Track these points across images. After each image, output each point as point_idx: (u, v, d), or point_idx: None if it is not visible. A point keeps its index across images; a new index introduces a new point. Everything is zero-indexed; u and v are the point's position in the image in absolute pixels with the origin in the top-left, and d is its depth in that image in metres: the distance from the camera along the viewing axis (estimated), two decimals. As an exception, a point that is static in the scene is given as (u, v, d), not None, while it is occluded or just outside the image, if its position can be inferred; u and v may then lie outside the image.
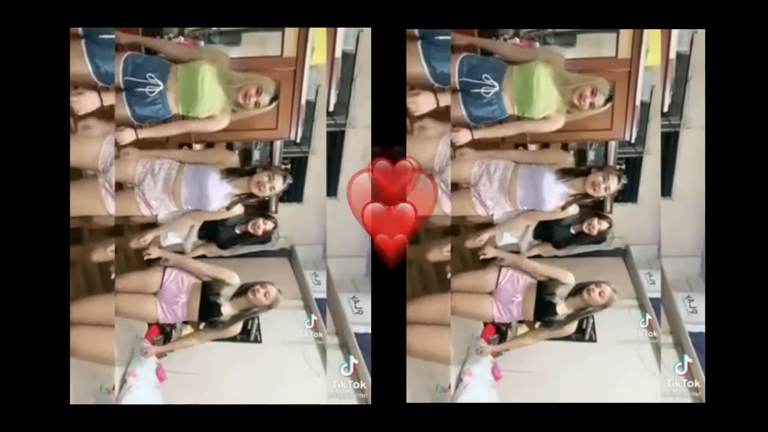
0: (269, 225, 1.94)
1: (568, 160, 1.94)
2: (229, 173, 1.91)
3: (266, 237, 1.94)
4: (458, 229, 1.93)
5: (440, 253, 1.89)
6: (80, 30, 1.87)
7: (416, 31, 1.89)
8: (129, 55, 1.89)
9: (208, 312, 1.90)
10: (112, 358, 1.86)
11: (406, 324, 1.85)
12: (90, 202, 1.88)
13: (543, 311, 1.91)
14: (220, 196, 1.91)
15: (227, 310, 1.90)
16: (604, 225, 1.95)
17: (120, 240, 1.91)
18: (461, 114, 1.91)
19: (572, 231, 1.95)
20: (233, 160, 1.92)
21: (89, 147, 1.89)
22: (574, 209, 1.93)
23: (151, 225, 1.94)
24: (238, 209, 1.92)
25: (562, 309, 1.91)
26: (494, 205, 1.94)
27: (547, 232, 1.95)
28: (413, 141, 1.88)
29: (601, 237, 1.96)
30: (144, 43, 1.90)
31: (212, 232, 1.94)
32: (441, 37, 1.89)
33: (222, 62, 1.88)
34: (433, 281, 1.89)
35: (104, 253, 1.88)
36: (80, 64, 1.87)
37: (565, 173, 1.92)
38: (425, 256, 1.89)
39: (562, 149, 1.96)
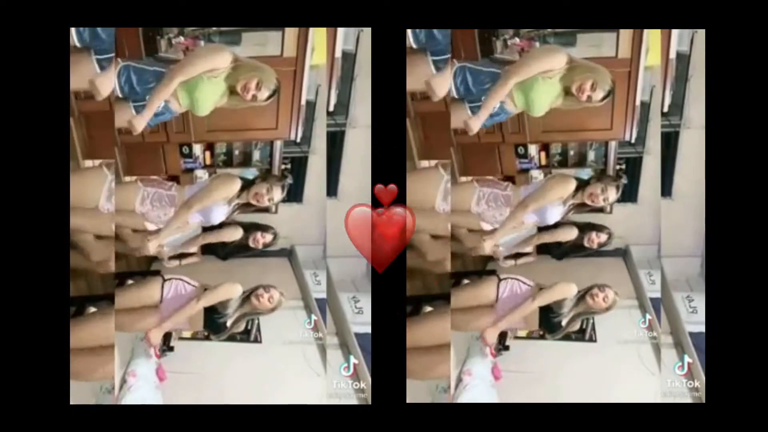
0: (268, 237, 1.94)
1: (571, 187, 1.94)
2: (232, 198, 1.92)
3: (266, 248, 1.95)
4: (458, 237, 1.94)
5: (441, 265, 1.89)
6: (77, 40, 1.87)
7: (413, 44, 1.88)
8: (124, 66, 1.88)
9: (213, 330, 1.91)
10: (113, 376, 1.86)
11: (406, 324, 1.85)
12: (93, 226, 1.89)
13: (549, 327, 1.92)
14: (223, 213, 1.92)
15: (231, 321, 1.91)
16: (603, 237, 1.95)
17: (120, 246, 1.93)
18: (466, 116, 1.92)
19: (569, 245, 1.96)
20: (236, 188, 1.93)
21: (90, 188, 1.90)
22: (573, 233, 1.94)
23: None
24: (238, 233, 1.93)
25: (567, 320, 1.92)
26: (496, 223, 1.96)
27: (547, 247, 1.96)
28: (412, 180, 1.87)
29: (601, 248, 1.96)
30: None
31: (213, 248, 1.95)
32: (441, 57, 1.89)
33: (221, 67, 1.88)
34: (433, 292, 1.89)
35: (106, 263, 1.89)
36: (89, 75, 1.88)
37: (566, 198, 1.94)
38: (426, 265, 1.90)
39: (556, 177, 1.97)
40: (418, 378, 1.84)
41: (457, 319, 1.88)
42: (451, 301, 1.86)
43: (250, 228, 1.95)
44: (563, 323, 1.92)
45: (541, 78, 1.87)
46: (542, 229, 1.96)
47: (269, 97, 1.88)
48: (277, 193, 1.91)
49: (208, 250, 1.96)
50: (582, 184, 1.94)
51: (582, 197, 1.92)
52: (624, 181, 1.93)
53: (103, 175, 1.90)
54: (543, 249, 1.98)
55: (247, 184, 1.93)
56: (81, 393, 1.84)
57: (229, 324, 1.91)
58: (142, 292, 1.93)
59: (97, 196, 1.89)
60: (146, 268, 1.96)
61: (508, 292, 1.94)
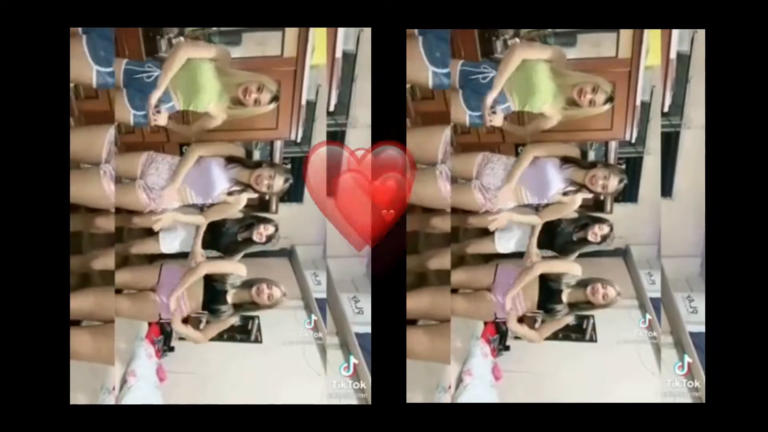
0: (270, 229, 1.94)
1: (574, 151, 1.94)
2: (232, 160, 1.91)
3: (269, 241, 1.94)
4: (458, 233, 1.94)
5: (441, 260, 1.89)
6: (79, 29, 1.87)
7: (416, 31, 1.89)
8: (128, 61, 1.90)
9: (212, 300, 1.90)
10: (113, 357, 1.86)
11: (406, 324, 1.85)
12: (90, 193, 1.89)
13: (548, 299, 1.91)
14: (223, 182, 1.91)
15: (231, 299, 1.90)
16: (606, 229, 1.95)
17: (121, 246, 1.93)
18: (462, 116, 1.92)
19: (574, 238, 1.94)
20: (238, 150, 1.93)
21: (91, 139, 1.89)
22: (576, 199, 1.93)
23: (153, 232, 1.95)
24: (240, 202, 1.92)
25: (566, 298, 1.91)
26: (496, 193, 1.94)
27: (550, 238, 1.95)
28: (413, 135, 1.87)
29: (603, 241, 1.95)
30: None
31: (214, 239, 1.94)
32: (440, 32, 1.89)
33: (222, 58, 1.88)
34: (433, 276, 1.89)
35: (106, 259, 1.89)
36: (83, 66, 1.88)
37: (567, 160, 1.92)
38: (426, 259, 1.90)
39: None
40: (418, 358, 1.84)
41: (457, 304, 1.88)
42: (450, 280, 1.87)
43: (252, 221, 1.94)
44: (563, 298, 1.91)
45: (544, 62, 1.88)
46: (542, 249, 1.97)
47: (272, 100, 1.88)
48: (279, 182, 1.91)
49: (210, 242, 1.95)
50: (586, 165, 1.93)
51: (584, 179, 1.92)
52: (625, 181, 1.93)
53: (104, 131, 1.90)
54: (544, 243, 1.97)
55: (251, 165, 1.92)
56: (81, 393, 1.84)
57: (230, 300, 1.90)
58: (139, 276, 1.93)
59: (98, 144, 1.89)
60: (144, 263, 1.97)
61: (506, 276, 1.93)
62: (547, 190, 1.93)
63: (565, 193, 1.93)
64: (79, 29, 1.87)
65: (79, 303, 1.85)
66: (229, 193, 1.92)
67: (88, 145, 1.90)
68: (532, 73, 1.88)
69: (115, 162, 1.90)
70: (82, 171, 1.90)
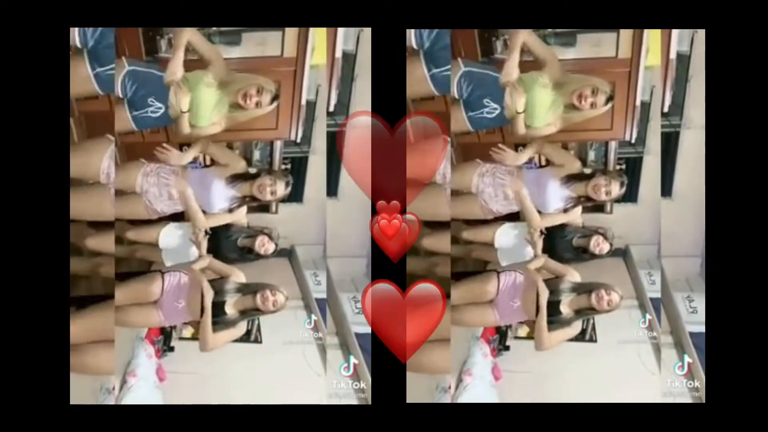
0: (271, 248, 1.93)
1: (576, 165, 1.94)
2: (234, 179, 1.91)
3: (264, 255, 1.94)
4: (458, 239, 1.94)
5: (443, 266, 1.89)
6: (78, 39, 1.87)
7: (414, 44, 1.88)
8: (127, 72, 1.89)
9: (212, 312, 1.90)
10: (113, 370, 1.86)
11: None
12: (93, 206, 1.88)
13: (548, 311, 1.91)
14: (223, 199, 1.91)
15: (231, 308, 1.89)
16: (605, 247, 1.94)
17: (122, 249, 1.93)
18: (463, 122, 1.92)
19: (574, 244, 1.95)
20: (241, 165, 1.92)
21: (90, 160, 1.89)
22: (577, 213, 1.93)
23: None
24: (242, 216, 1.92)
25: (566, 307, 1.91)
26: (500, 209, 1.95)
27: (551, 244, 1.95)
28: (413, 156, 1.87)
29: (598, 254, 1.95)
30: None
31: (216, 245, 1.94)
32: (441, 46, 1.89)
33: (218, 65, 1.88)
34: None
35: (108, 264, 1.89)
36: (84, 80, 1.88)
37: (569, 179, 1.92)
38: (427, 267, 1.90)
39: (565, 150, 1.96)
40: (418, 371, 1.84)
41: (457, 314, 1.88)
42: (451, 295, 1.86)
43: (257, 233, 1.94)
44: (561, 308, 1.90)
45: (536, 74, 1.88)
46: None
47: (273, 100, 1.88)
48: (281, 187, 1.91)
49: (212, 248, 1.95)
50: (586, 177, 1.93)
51: (585, 189, 1.92)
52: (625, 182, 1.93)
53: (105, 143, 1.89)
54: (545, 247, 1.96)
55: (251, 176, 1.92)
56: (81, 393, 1.84)
57: (228, 312, 1.89)
58: (142, 288, 1.92)
59: (97, 167, 1.89)
60: (146, 269, 1.96)
61: (509, 285, 1.93)
62: (547, 205, 1.93)
63: (565, 210, 1.94)
64: (86, 57, 1.87)
65: (80, 321, 1.85)
66: (230, 210, 1.92)
67: (88, 160, 1.89)
68: (531, 95, 1.88)
69: (116, 175, 1.89)
70: (83, 189, 1.89)
